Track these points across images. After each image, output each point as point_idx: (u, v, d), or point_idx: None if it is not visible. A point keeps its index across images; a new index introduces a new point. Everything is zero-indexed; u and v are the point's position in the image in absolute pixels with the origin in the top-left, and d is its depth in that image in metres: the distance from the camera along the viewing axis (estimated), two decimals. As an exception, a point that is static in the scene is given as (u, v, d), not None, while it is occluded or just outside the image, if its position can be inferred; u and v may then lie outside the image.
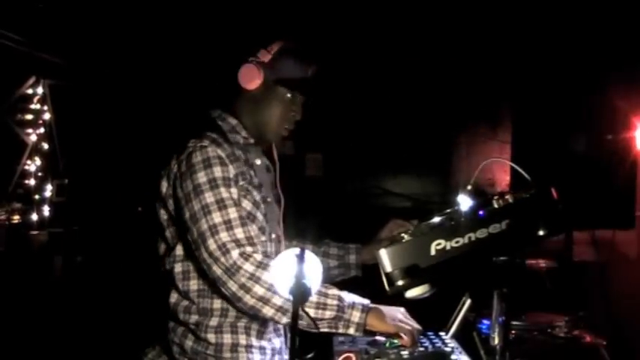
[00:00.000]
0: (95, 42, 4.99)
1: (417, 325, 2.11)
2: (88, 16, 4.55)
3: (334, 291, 2.03)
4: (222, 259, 1.98)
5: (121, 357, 2.51)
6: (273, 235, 2.26)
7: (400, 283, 1.80)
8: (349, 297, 2.04)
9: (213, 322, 2.12)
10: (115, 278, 5.39)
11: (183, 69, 5.31)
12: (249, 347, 2.15)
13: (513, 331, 2.53)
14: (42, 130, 5.70)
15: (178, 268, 2.13)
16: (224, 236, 2.00)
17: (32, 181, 5.65)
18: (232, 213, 2.03)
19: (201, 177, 2.04)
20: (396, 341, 2.21)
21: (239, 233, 2.02)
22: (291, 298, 1.86)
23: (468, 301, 2.41)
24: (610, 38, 4.31)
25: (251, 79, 2.16)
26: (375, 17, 4.49)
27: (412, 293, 1.88)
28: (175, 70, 5.38)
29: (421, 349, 2.13)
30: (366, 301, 2.06)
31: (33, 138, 5.65)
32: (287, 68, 2.20)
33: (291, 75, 2.21)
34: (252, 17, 4.21)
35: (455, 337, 2.35)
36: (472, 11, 4.41)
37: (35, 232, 5.53)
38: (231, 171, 2.09)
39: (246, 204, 2.12)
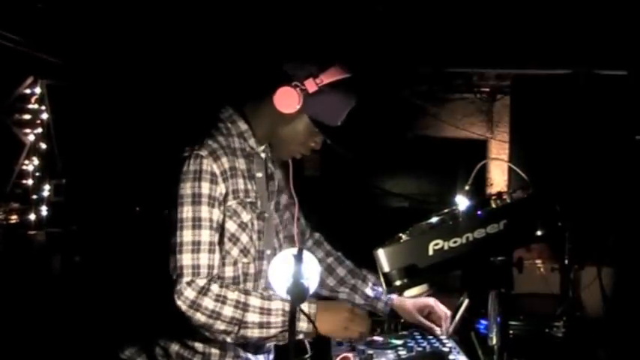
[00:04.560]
0: (93, 42, 4.99)
1: (365, 322, 2.09)
2: (87, 16, 4.54)
3: (277, 304, 1.99)
4: (174, 278, 1.96)
5: (101, 354, 2.46)
6: (268, 252, 2.19)
7: (398, 283, 1.80)
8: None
9: None
10: (113, 278, 5.38)
11: (184, 68, 5.30)
12: (236, 358, 2.12)
13: (511, 332, 2.54)
14: (40, 130, 5.68)
15: (168, 274, 2.07)
16: (186, 258, 1.96)
17: (30, 181, 5.63)
18: (205, 235, 1.98)
19: (188, 188, 1.99)
20: (394, 341, 2.22)
21: (203, 259, 1.97)
22: (240, 314, 1.94)
23: (466, 301, 2.41)
24: (609, 38, 4.31)
25: (289, 104, 2.03)
26: (373, 17, 4.49)
27: (410, 293, 1.88)
28: (175, 70, 5.37)
29: (419, 349, 2.13)
30: (313, 307, 2.03)
31: (31, 138, 5.63)
32: (327, 109, 2.10)
33: (328, 119, 2.11)
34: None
35: (453, 337, 2.36)
36: (471, 9, 4.41)
37: (33, 232, 5.52)
38: (221, 190, 2.02)
39: (231, 225, 2.06)
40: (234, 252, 2.08)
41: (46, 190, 5.76)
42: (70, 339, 4.70)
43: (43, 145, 5.74)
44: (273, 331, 1.97)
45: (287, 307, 1.96)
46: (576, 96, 4.56)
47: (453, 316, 2.41)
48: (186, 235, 1.97)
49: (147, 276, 2.18)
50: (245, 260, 2.10)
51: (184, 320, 2.00)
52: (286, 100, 2.03)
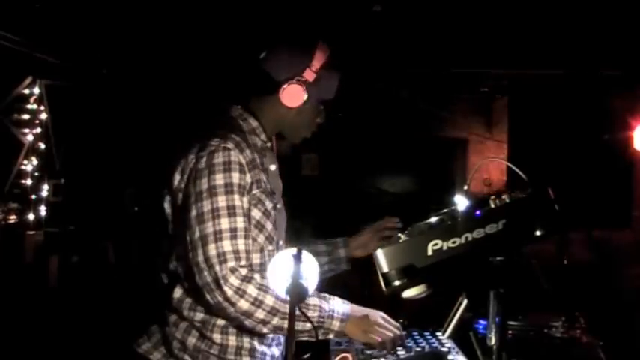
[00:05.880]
0: (92, 42, 4.99)
1: (395, 332, 2.09)
2: (85, 16, 4.54)
3: (315, 300, 2.02)
4: (217, 268, 1.98)
5: (115, 350, 2.49)
6: (280, 242, 2.24)
7: (397, 283, 1.80)
8: (329, 304, 2.05)
9: (221, 321, 2.09)
10: (111, 278, 5.39)
11: (184, 68, 5.31)
12: (252, 351, 2.14)
13: (510, 331, 2.54)
14: (38, 130, 5.69)
15: (186, 263, 2.10)
16: (226, 244, 1.99)
17: (29, 181, 5.64)
18: (240, 222, 2.03)
19: (219, 179, 2.03)
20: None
21: (241, 244, 2.01)
22: (280, 305, 1.96)
23: (465, 301, 2.41)
24: (608, 38, 4.32)
25: (297, 99, 2.15)
26: (371, 17, 4.49)
27: (409, 293, 1.88)
28: (174, 70, 5.38)
29: (418, 349, 2.13)
30: (347, 308, 2.07)
31: (29, 138, 5.64)
32: (328, 86, 2.21)
33: (329, 94, 2.23)
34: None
35: (452, 337, 2.36)
36: (469, 9, 4.41)
37: (32, 232, 5.52)
38: (248, 180, 2.07)
39: (256, 213, 2.10)
40: (261, 239, 2.12)
41: (45, 190, 5.76)
42: (67, 337, 4.70)
43: (42, 145, 5.74)
44: (308, 325, 2.00)
45: (324, 304, 2.03)
46: (574, 96, 4.57)
47: (452, 316, 2.42)
48: (224, 223, 2.01)
49: (164, 271, 2.19)
50: (270, 247, 2.15)
51: (202, 311, 2.07)
52: (293, 96, 2.15)
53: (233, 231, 2.01)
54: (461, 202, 1.88)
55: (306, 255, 1.73)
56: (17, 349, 4.52)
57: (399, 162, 6.08)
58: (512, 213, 1.74)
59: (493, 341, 1.82)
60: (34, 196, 5.66)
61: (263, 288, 1.99)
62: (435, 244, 1.75)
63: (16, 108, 5.55)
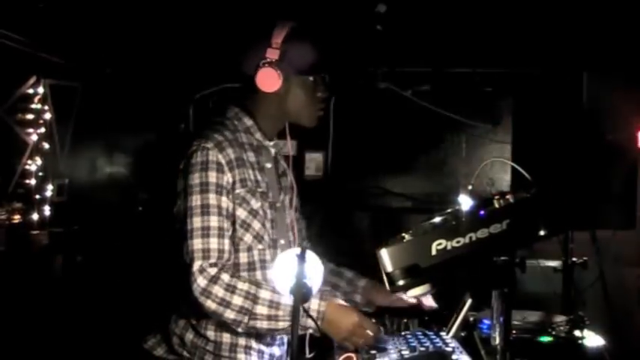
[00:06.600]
0: (97, 41, 4.99)
1: (366, 337, 2.10)
2: (90, 16, 4.55)
3: (287, 300, 2.01)
4: (188, 264, 2.03)
5: (122, 347, 2.51)
6: (282, 241, 2.24)
7: (401, 283, 1.80)
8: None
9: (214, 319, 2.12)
10: (116, 278, 5.39)
11: (187, 68, 5.31)
12: (247, 348, 2.16)
13: (514, 331, 2.54)
14: (42, 129, 5.68)
15: (183, 262, 2.13)
16: (197, 243, 2.03)
17: (33, 181, 5.63)
18: (213, 221, 2.06)
19: (195, 178, 2.07)
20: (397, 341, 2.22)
21: (213, 243, 2.04)
22: (250, 305, 1.99)
23: (469, 301, 2.41)
24: (609, 38, 4.31)
25: (272, 83, 2.14)
26: (374, 14, 4.49)
27: (413, 293, 1.88)
28: (178, 70, 5.38)
29: (422, 349, 2.14)
30: (323, 306, 2.07)
31: (33, 138, 5.63)
32: (300, 55, 2.18)
33: (308, 60, 2.20)
34: (244, 16, 4.19)
35: (455, 336, 2.36)
36: (472, 9, 4.41)
37: (36, 232, 5.52)
38: (229, 179, 2.09)
39: (241, 212, 2.12)
40: (247, 238, 2.14)
41: (49, 190, 5.76)
42: (71, 337, 4.71)
43: (46, 145, 5.74)
44: (281, 324, 2.01)
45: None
46: (578, 95, 4.56)
47: (456, 317, 2.41)
48: (196, 222, 2.05)
49: (160, 268, 2.23)
50: (260, 247, 2.17)
51: (196, 309, 2.08)
52: (269, 80, 2.14)
53: (205, 229, 2.04)
54: (465, 202, 1.88)
55: (310, 255, 1.73)
56: (22, 346, 4.53)
57: (402, 162, 6.06)
58: (516, 213, 1.74)
59: (497, 341, 1.81)
60: (38, 196, 5.65)
61: (230, 288, 2.00)
62: (439, 244, 1.75)
63: (19, 108, 5.54)
